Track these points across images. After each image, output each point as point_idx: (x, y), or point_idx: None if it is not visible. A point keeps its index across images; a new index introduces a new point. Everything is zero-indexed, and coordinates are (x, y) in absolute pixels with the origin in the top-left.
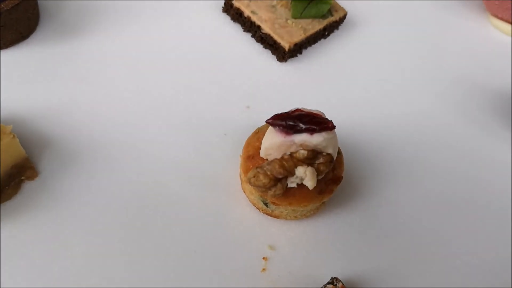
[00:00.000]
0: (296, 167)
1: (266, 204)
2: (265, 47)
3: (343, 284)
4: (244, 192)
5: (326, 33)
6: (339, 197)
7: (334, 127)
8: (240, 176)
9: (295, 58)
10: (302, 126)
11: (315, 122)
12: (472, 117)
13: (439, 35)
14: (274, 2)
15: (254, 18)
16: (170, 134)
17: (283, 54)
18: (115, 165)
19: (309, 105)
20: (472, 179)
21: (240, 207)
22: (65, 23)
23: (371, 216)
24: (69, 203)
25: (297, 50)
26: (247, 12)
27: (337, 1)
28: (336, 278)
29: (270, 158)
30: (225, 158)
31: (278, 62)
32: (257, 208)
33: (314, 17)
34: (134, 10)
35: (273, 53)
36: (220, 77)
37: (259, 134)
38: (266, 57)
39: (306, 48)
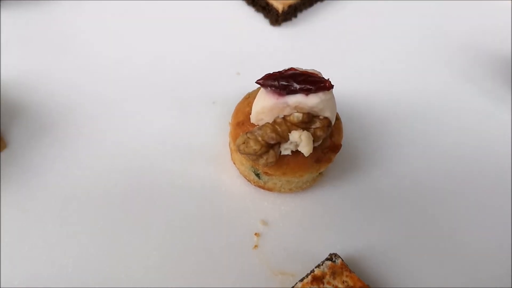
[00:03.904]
0: (290, 132)
1: (258, 175)
2: (257, 10)
3: (342, 260)
4: (234, 163)
5: None
6: (337, 167)
7: (331, 86)
8: (229, 145)
9: (289, 22)
10: (296, 86)
11: (311, 81)
12: (473, 81)
13: None
14: None
15: None
16: (154, 103)
17: (276, 17)
18: (93, 136)
19: (303, 67)
20: (476, 146)
21: (230, 180)
22: None
23: (372, 187)
24: (40, 176)
25: (291, 13)
26: None
27: None
28: (335, 254)
29: (261, 123)
30: (213, 127)
31: (271, 26)
32: (248, 180)
33: None
34: None
35: (265, 16)
36: (209, 42)
37: (249, 99)
38: (258, 21)
39: (301, 11)
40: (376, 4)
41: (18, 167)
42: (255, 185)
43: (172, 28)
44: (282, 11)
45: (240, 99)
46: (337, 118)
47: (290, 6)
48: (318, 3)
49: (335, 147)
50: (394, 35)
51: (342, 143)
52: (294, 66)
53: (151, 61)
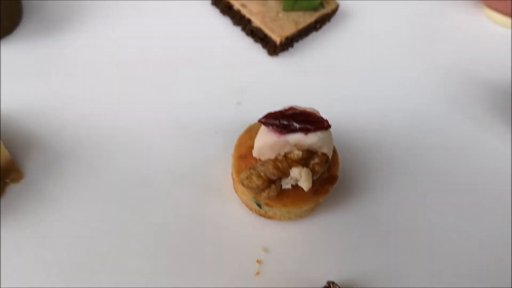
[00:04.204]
0: (290, 168)
1: (259, 205)
2: (256, 40)
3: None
4: (237, 192)
5: (318, 26)
6: (334, 196)
7: (329, 126)
8: (232, 176)
9: (286, 52)
10: (296, 125)
11: (310, 121)
12: (468, 111)
13: (433, 26)
14: None
15: (244, 12)
16: (159, 133)
17: (274, 48)
18: (103, 165)
19: (302, 99)
20: (471, 175)
21: (232, 208)
22: (49, 17)
23: (368, 215)
24: (55, 206)
25: (288, 43)
26: (237, 6)
27: None
28: (333, 282)
29: (263, 158)
30: (216, 156)
31: (269, 56)
32: (250, 209)
33: (306, 9)
34: (120, 4)
35: (264, 47)
36: (210, 72)
37: (251, 132)
38: (256, 51)
39: (297, 41)
40: (371, 34)
41: (35, 197)
42: (256, 214)
43: (175, 58)
44: (280, 42)
45: (241, 129)
46: (334, 151)
47: (287, 38)
48: (313, 33)
49: (332, 179)
50: (390, 66)
51: (338, 174)
52: (291, 94)
53: (155, 91)
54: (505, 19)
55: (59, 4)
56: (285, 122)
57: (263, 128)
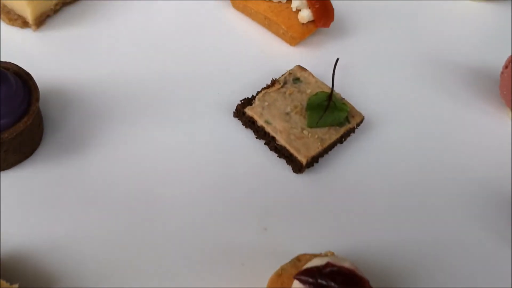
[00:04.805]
0: None
1: None
2: (280, 156)
3: None
4: None
5: (343, 140)
6: None
7: None
8: None
9: (311, 168)
10: (335, 287)
11: (350, 282)
12: (475, 217)
13: (458, 133)
14: (288, 109)
15: (268, 129)
16: (186, 267)
17: (300, 167)
18: None
19: (330, 221)
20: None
21: None
22: (69, 137)
23: None
24: None
25: (314, 160)
26: (260, 122)
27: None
28: None
29: None
30: None
31: (294, 174)
32: None
33: (331, 125)
34: (141, 120)
35: (288, 163)
36: (233, 193)
37: (282, 277)
38: (281, 167)
39: (322, 156)
40: (394, 142)
41: None
42: None
43: (197, 175)
44: (306, 163)
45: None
46: None
47: (313, 158)
48: (338, 145)
49: None
50: (415, 176)
51: None
52: (318, 218)
53: (178, 219)
54: None
55: (78, 122)
56: (323, 283)
57: (298, 283)
